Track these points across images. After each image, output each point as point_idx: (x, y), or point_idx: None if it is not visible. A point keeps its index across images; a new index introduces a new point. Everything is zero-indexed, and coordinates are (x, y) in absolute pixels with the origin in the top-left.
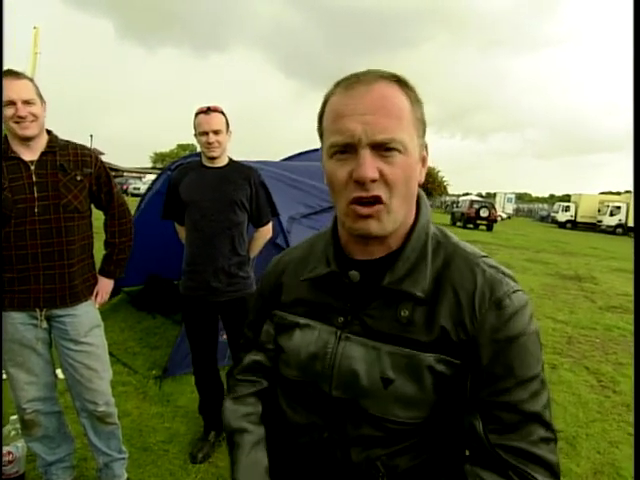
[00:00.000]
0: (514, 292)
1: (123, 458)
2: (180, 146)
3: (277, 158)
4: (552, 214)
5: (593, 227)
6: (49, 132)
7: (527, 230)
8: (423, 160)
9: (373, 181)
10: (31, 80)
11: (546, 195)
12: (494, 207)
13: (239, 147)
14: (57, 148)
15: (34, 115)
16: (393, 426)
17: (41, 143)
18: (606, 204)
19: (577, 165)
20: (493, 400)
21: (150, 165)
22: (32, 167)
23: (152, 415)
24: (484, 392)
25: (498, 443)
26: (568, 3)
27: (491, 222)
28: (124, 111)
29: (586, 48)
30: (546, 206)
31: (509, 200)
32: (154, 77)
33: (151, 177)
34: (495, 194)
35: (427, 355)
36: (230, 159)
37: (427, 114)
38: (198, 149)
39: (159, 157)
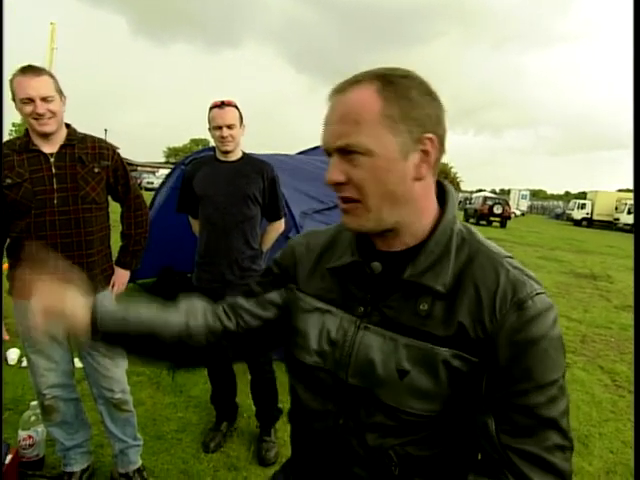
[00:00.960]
0: (537, 294)
1: (138, 445)
2: (193, 141)
3: (291, 152)
4: (567, 211)
5: (610, 225)
6: (68, 125)
7: (541, 227)
8: (425, 153)
9: (341, 184)
10: (51, 75)
11: (561, 192)
12: (508, 204)
13: (252, 141)
14: (76, 141)
15: (52, 112)
16: (407, 417)
17: (60, 136)
18: (623, 202)
19: (593, 162)
20: (508, 401)
21: (163, 160)
22: (52, 159)
23: (165, 405)
24: (500, 393)
25: (510, 445)
26: None
27: (505, 219)
28: (138, 106)
29: (600, 44)
30: (561, 203)
31: (523, 197)
32: (167, 72)
33: (164, 172)
34: (509, 191)
35: (443, 350)
36: (244, 153)
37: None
38: (211, 143)
39: (172, 152)
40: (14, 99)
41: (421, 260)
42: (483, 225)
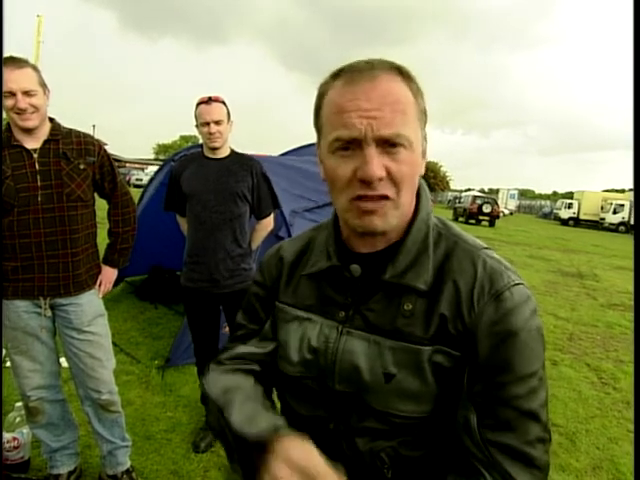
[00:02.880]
0: (515, 285)
1: (127, 446)
2: (182, 137)
3: (280, 150)
4: (555, 211)
5: (596, 225)
6: (51, 120)
7: (529, 226)
8: (423, 152)
9: (380, 179)
10: (34, 67)
11: (549, 192)
12: (497, 203)
13: (241, 139)
14: (60, 136)
15: (35, 106)
16: (397, 420)
17: (44, 131)
18: (609, 202)
19: (580, 162)
20: (488, 394)
21: (153, 156)
22: (35, 155)
23: (155, 404)
24: (480, 386)
25: (491, 439)
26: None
27: (493, 218)
28: (127, 102)
29: (589, 45)
30: (549, 203)
31: (512, 196)
32: (157, 68)
33: (153, 168)
34: (498, 190)
35: (427, 349)
36: (232, 150)
37: (428, 109)
38: (201, 141)
39: (162, 148)
40: None
41: (400, 259)
42: (472, 224)
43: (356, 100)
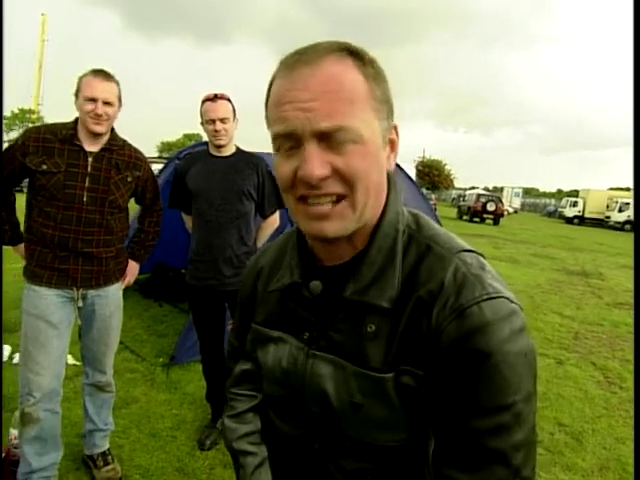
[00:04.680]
0: (490, 299)
1: (107, 429)
2: (186, 136)
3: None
4: (560, 209)
5: (601, 223)
6: (111, 129)
7: (534, 225)
8: (392, 144)
9: (325, 179)
10: (117, 83)
11: (554, 190)
12: (501, 201)
13: (243, 139)
14: (116, 147)
15: (109, 115)
16: (374, 448)
17: (104, 139)
18: (615, 200)
19: (585, 160)
20: (448, 423)
21: (156, 154)
22: (90, 159)
23: (160, 402)
24: (440, 410)
25: (445, 474)
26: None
27: (498, 216)
28: (130, 100)
29: (591, 43)
30: (553, 201)
31: (516, 194)
32: (160, 67)
33: (157, 166)
34: (502, 188)
35: (390, 375)
36: (237, 148)
37: (427, 109)
38: (204, 138)
39: (165, 146)
40: (77, 95)
41: (363, 273)
42: (476, 222)
43: (293, 90)
